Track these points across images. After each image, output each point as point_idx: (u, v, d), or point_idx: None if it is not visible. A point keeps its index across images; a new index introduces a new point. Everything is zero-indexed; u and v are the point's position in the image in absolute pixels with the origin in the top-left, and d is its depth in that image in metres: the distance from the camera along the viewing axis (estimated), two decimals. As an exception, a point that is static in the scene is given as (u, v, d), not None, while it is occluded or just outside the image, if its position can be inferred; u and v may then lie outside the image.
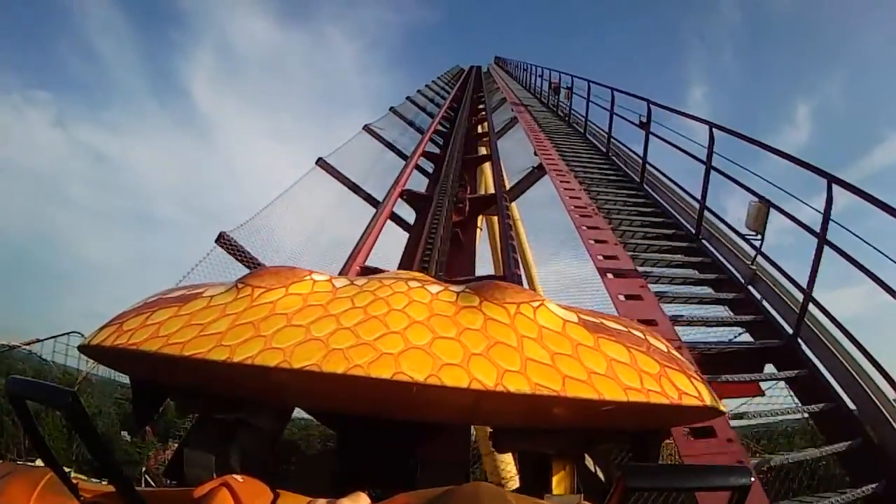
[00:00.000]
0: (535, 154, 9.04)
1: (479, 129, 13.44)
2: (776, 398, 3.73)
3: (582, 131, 11.38)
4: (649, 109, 7.75)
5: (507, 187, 8.83)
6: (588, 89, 11.41)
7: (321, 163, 8.03)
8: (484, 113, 14.56)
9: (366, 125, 10.55)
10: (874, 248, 3.65)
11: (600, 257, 4.89)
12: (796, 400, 3.72)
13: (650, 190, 7.41)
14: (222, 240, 5.47)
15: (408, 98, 15.64)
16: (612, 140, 9.45)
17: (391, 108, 13.30)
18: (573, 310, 1.16)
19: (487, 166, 9.87)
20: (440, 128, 12.61)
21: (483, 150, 10.90)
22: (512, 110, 13.81)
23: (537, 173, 8.88)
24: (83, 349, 1.21)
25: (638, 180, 7.62)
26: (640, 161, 7.76)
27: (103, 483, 0.98)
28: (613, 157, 9.09)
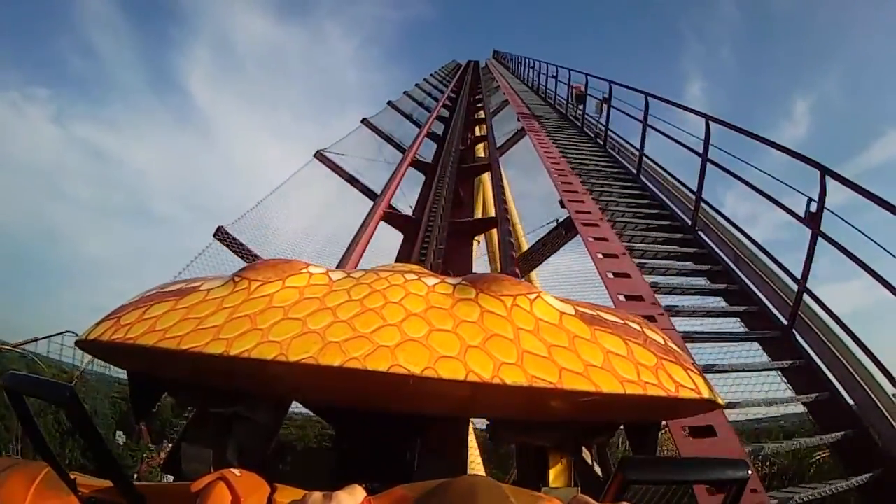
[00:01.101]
0: (562, 204, 5.90)
1: (478, 150, 10.33)
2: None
3: (634, 171, 7.48)
4: (823, 189, 3.92)
5: (524, 249, 6.61)
6: (646, 106, 7.38)
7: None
8: (483, 119, 11.96)
9: (318, 152, 7.79)
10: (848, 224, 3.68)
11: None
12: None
13: (809, 340, 4.12)
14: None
15: (390, 103, 12.42)
16: (701, 204, 5.71)
17: (363, 120, 10.32)
18: (570, 302, 1.16)
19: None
20: (420, 157, 8.97)
21: (487, 202, 8.28)
22: (518, 119, 10.95)
23: (564, 235, 5.84)
24: (81, 344, 1.21)
25: (786, 323, 4.21)
26: (793, 288, 4.23)
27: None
28: (702, 235, 5.73)
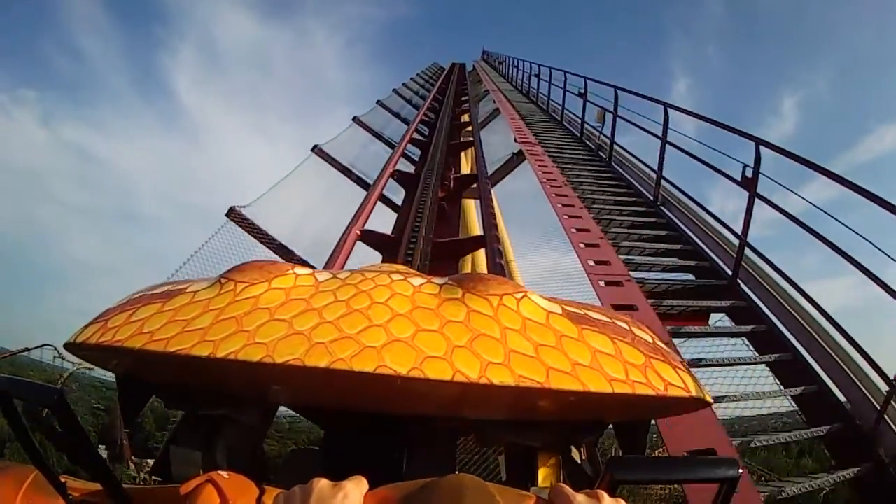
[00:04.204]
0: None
1: (463, 164, 9.70)
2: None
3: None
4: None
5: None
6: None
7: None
8: (468, 123, 10.68)
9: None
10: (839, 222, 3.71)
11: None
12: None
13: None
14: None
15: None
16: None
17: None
18: (557, 301, 1.16)
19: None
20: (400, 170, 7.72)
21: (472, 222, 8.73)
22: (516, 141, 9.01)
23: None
24: (69, 347, 1.20)
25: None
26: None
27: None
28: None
